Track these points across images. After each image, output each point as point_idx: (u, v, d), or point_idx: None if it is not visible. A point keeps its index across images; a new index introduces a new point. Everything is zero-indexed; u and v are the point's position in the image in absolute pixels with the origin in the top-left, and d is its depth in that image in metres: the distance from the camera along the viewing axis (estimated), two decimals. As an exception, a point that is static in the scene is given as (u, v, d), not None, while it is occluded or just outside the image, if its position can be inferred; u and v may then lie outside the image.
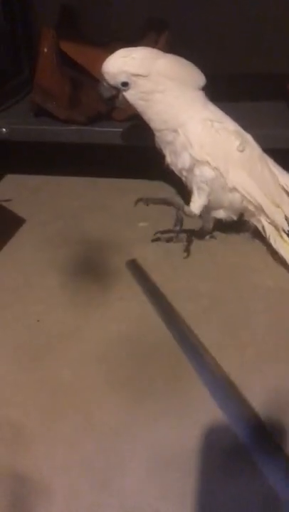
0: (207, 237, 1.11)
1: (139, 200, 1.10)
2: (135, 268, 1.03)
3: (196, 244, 1.09)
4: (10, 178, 1.41)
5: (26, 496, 0.63)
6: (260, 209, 1.00)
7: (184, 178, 1.05)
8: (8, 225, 1.18)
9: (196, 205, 1.04)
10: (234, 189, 0.99)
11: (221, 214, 1.07)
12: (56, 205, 1.28)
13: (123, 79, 0.94)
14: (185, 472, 0.65)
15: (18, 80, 1.49)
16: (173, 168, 1.05)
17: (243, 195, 0.99)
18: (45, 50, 1.19)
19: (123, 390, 0.77)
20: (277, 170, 1.02)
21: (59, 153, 1.35)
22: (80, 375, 0.80)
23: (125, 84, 0.95)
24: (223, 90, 1.17)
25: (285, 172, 1.03)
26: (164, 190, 1.29)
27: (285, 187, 1.01)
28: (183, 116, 0.97)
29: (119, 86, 0.95)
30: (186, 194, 1.09)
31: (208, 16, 1.40)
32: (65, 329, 0.89)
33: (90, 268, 1.05)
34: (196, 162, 0.99)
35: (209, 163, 0.97)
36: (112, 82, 0.95)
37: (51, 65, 1.20)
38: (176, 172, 1.05)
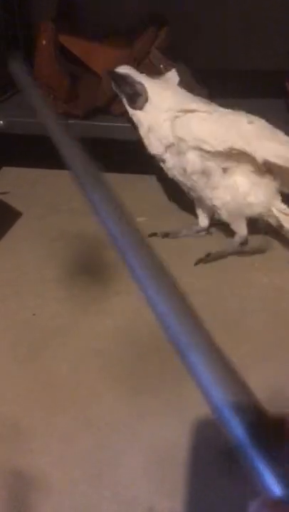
0: (203, 233, 1.12)
1: (200, 261, 1.04)
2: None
3: (192, 240, 1.10)
4: (7, 171, 1.41)
5: (23, 489, 0.64)
6: None
7: (189, 183, 1.04)
8: (5, 218, 1.18)
9: (241, 229, 1.04)
10: (266, 162, 0.96)
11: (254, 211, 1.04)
12: (53, 198, 1.28)
13: None
14: (180, 467, 0.66)
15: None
16: (175, 172, 1.04)
17: (277, 164, 0.97)
18: (44, 42, 1.19)
19: (119, 385, 0.78)
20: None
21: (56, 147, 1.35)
22: (77, 369, 0.80)
23: None
24: (221, 86, 1.18)
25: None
26: (161, 184, 1.29)
27: None
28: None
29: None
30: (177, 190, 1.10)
31: (208, 11, 1.40)
32: (62, 323, 0.90)
33: (86, 262, 1.05)
34: (215, 157, 0.97)
35: (233, 148, 0.95)
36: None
37: (50, 58, 1.20)
38: (179, 176, 1.04)
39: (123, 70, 1.03)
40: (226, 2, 1.39)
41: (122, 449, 0.68)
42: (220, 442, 0.68)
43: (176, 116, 0.98)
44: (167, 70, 1.14)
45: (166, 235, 1.11)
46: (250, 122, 0.97)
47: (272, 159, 0.97)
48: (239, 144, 0.96)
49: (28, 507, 0.62)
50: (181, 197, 1.14)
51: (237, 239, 1.04)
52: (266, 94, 1.28)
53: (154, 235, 1.11)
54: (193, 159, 0.99)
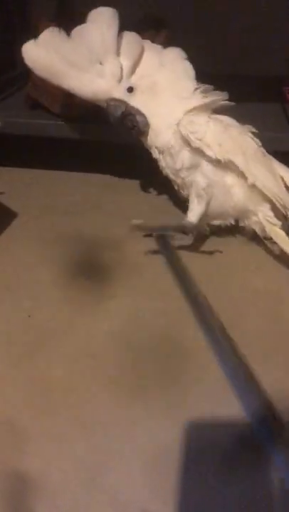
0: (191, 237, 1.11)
1: (134, 228, 1.06)
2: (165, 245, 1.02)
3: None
4: (3, 171, 1.40)
5: (18, 491, 0.63)
6: (280, 202, 0.97)
7: (179, 180, 1.05)
8: (0, 218, 1.18)
9: (195, 213, 1.02)
10: (253, 185, 0.97)
11: (217, 220, 1.06)
12: (49, 200, 1.28)
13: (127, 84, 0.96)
14: (176, 471, 0.66)
15: (13, 72, 1.48)
16: (167, 171, 1.05)
17: (260, 191, 0.98)
18: (43, 43, 1.18)
19: (115, 388, 0.77)
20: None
21: (53, 148, 1.35)
22: (72, 372, 0.80)
23: (130, 89, 0.96)
24: (219, 91, 1.18)
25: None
26: (159, 187, 1.29)
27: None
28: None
29: (127, 94, 0.97)
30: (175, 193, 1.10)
31: (207, 15, 1.40)
32: (57, 325, 0.89)
33: (82, 264, 1.05)
34: (214, 163, 0.98)
35: (232, 161, 0.96)
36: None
37: (48, 60, 1.19)
38: (171, 175, 1.05)
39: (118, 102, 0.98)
40: (224, 7, 1.40)
41: (117, 452, 0.68)
42: (216, 445, 0.68)
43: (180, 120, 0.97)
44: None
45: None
46: (257, 143, 0.98)
47: (260, 186, 0.97)
48: (238, 160, 0.96)
49: (22, 509, 0.62)
50: (179, 200, 1.14)
51: (190, 221, 1.03)
52: (264, 99, 1.29)
53: (150, 235, 1.10)
54: (185, 156, 0.99)
